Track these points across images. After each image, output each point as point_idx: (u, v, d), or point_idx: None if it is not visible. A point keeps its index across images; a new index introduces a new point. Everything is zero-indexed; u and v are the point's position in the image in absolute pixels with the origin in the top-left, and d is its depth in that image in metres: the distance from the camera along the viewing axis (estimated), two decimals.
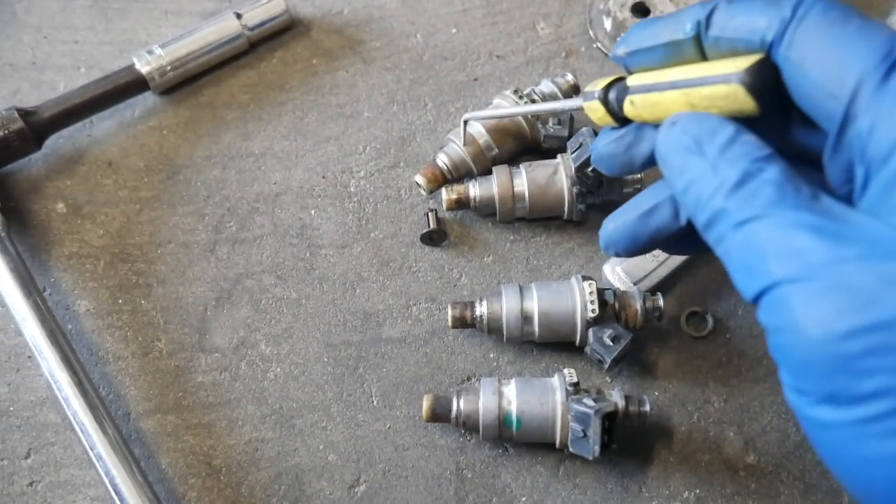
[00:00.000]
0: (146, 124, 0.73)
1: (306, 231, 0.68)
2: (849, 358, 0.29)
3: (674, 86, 0.39)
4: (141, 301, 0.65)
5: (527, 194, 0.64)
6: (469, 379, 0.63)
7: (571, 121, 0.67)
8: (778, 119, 0.39)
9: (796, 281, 0.31)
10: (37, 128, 0.67)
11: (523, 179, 0.65)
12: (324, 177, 0.70)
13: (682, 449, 0.60)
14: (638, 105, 0.41)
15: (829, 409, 0.31)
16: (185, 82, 0.74)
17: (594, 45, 0.76)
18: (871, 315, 0.29)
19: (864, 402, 0.29)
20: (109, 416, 0.58)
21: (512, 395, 0.57)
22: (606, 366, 0.58)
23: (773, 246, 0.32)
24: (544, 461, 0.59)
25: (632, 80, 0.42)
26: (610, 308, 0.59)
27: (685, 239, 0.43)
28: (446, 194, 0.65)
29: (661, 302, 0.60)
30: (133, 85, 0.71)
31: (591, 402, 0.54)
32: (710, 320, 0.64)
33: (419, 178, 0.67)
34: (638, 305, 0.60)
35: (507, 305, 0.60)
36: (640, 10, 0.75)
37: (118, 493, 0.55)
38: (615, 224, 0.45)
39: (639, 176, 0.65)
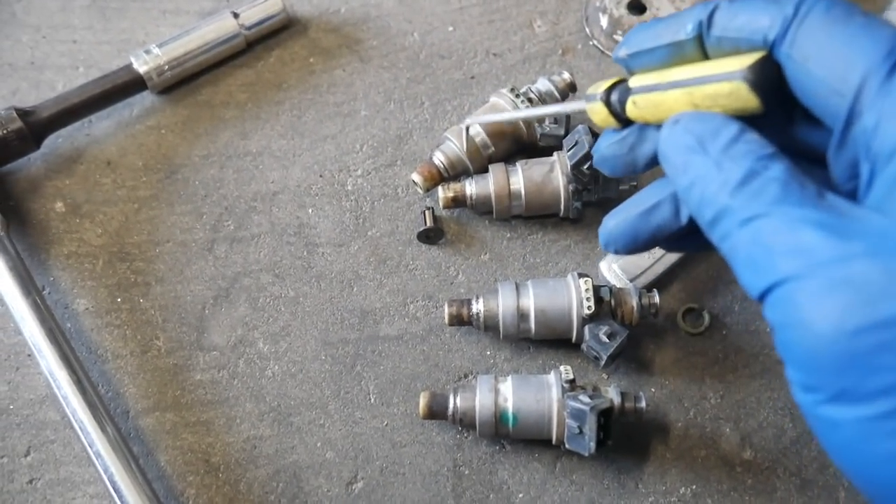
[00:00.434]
0: (144, 123, 0.73)
1: (304, 229, 0.68)
2: (858, 355, 0.29)
3: (676, 85, 0.39)
4: (139, 299, 0.66)
5: (523, 192, 0.65)
6: (466, 376, 0.63)
7: (568, 119, 0.67)
8: (781, 117, 0.39)
9: (803, 278, 0.30)
10: (35, 127, 0.68)
11: (519, 177, 0.65)
12: (321, 175, 0.71)
13: (679, 445, 0.60)
14: (640, 105, 0.41)
15: (839, 407, 0.30)
16: (182, 81, 0.75)
17: (590, 43, 0.76)
18: (881, 311, 0.28)
19: (875, 399, 0.29)
20: (108, 414, 0.58)
21: (508, 392, 0.57)
22: (603, 362, 0.59)
23: (778, 243, 0.32)
24: (541, 458, 0.60)
25: (634, 81, 0.42)
26: (606, 305, 0.60)
27: (686, 237, 0.43)
28: (443, 192, 0.66)
29: (657, 299, 0.60)
30: (131, 84, 0.72)
31: (586, 399, 0.54)
32: (707, 317, 0.64)
33: (416, 177, 0.67)
34: (634, 302, 0.60)
35: (503, 303, 0.60)
36: (636, 7, 0.75)
37: (117, 491, 0.55)
38: (615, 221, 0.45)
39: None
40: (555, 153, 0.65)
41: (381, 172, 0.71)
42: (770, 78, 0.36)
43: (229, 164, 0.71)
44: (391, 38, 0.77)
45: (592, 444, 0.53)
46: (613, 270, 0.64)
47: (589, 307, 0.58)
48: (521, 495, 0.59)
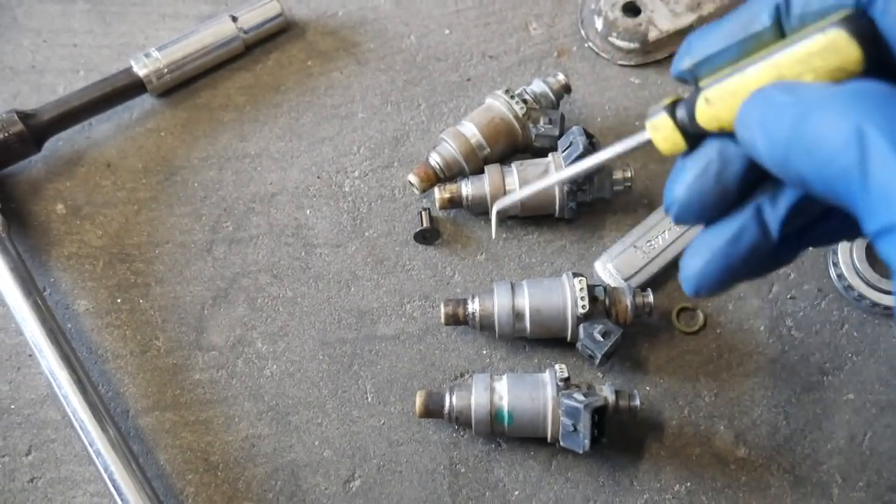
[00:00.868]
0: (144, 126, 0.74)
1: (302, 230, 0.69)
2: None
3: (756, 62, 0.34)
4: (139, 300, 0.66)
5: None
6: (462, 375, 0.63)
7: (562, 120, 0.68)
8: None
9: None
10: (36, 130, 0.69)
11: (515, 178, 0.65)
12: (319, 177, 0.71)
13: (673, 443, 0.61)
14: (714, 100, 0.36)
15: None
16: (182, 85, 0.75)
17: (586, 45, 0.77)
18: None
19: None
20: (108, 414, 0.59)
21: (504, 390, 0.58)
22: (597, 361, 0.59)
23: None
24: (537, 456, 0.60)
25: (704, 83, 0.37)
26: (600, 304, 0.60)
27: (775, 254, 0.38)
28: (439, 193, 0.66)
29: (650, 298, 0.61)
30: (131, 87, 0.72)
31: (580, 397, 0.55)
32: (701, 316, 0.65)
33: (412, 178, 0.67)
34: (628, 301, 0.60)
35: (498, 302, 0.61)
36: (631, 10, 0.76)
37: (117, 489, 0.56)
38: (701, 262, 0.38)
39: (629, 174, 0.65)
40: (550, 154, 0.66)
41: (378, 174, 0.71)
42: (867, 33, 0.31)
43: (228, 166, 0.72)
44: (388, 41, 0.78)
45: (587, 442, 0.54)
46: (608, 270, 0.65)
47: (583, 306, 0.59)
48: (516, 493, 0.59)
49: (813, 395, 0.62)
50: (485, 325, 0.62)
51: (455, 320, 0.62)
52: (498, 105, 0.68)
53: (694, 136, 0.38)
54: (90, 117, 0.73)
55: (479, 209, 0.67)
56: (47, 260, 0.68)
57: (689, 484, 0.59)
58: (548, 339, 0.63)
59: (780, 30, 0.34)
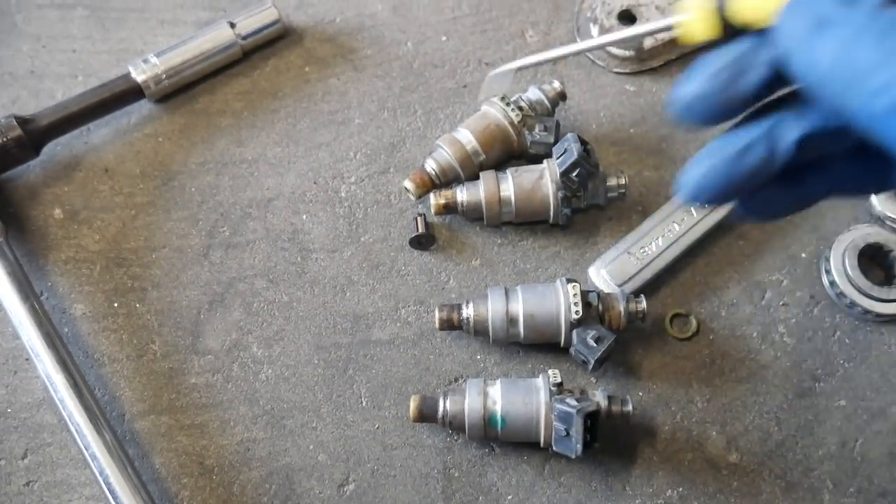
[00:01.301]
0: (142, 131, 0.75)
1: (298, 236, 0.70)
2: None
3: None
4: (136, 304, 0.67)
5: (513, 199, 0.66)
6: (456, 380, 0.64)
7: (557, 127, 0.68)
8: None
9: None
10: (35, 135, 0.69)
11: (510, 184, 0.66)
12: (315, 182, 0.72)
13: (666, 448, 0.61)
14: None
15: None
16: (180, 90, 0.76)
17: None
18: None
19: None
20: (104, 418, 0.59)
21: (497, 395, 0.58)
22: (590, 366, 0.60)
23: None
24: (530, 460, 0.61)
25: None
26: (594, 310, 0.61)
27: (794, 188, 0.38)
28: (434, 199, 0.67)
29: (643, 304, 0.61)
30: (129, 93, 0.73)
31: (573, 402, 0.55)
32: (694, 322, 0.65)
33: (408, 184, 0.68)
34: (621, 307, 0.61)
35: (492, 308, 0.61)
36: (627, 18, 0.77)
37: (112, 493, 0.56)
38: (703, 169, 0.37)
39: (623, 181, 0.66)
40: (545, 161, 0.67)
41: (375, 179, 0.72)
42: None
43: (225, 172, 0.73)
44: (385, 48, 0.78)
45: (579, 447, 0.54)
46: (602, 276, 0.65)
47: (577, 312, 0.59)
48: (510, 497, 0.60)
49: (805, 402, 0.62)
50: (479, 331, 0.62)
51: (449, 325, 0.62)
52: (494, 112, 0.69)
53: (726, 29, 0.36)
54: (88, 122, 0.73)
55: (474, 215, 0.67)
56: (44, 264, 0.69)
57: (681, 489, 0.60)
58: (541, 345, 0.63)
59: None
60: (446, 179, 0.68)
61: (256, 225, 0.70)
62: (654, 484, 0.60)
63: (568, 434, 0.55)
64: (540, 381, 0.58)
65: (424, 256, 0.69)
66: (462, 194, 0.67)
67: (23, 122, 0.68)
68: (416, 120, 0.75)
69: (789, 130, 0.36)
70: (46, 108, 0.71)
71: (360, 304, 0.67)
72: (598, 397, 0.57)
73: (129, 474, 0.57)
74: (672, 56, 0.76)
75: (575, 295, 0.60)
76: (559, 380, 0.57)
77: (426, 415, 0.59)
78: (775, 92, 0.36)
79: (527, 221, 0.68)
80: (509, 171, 0.67)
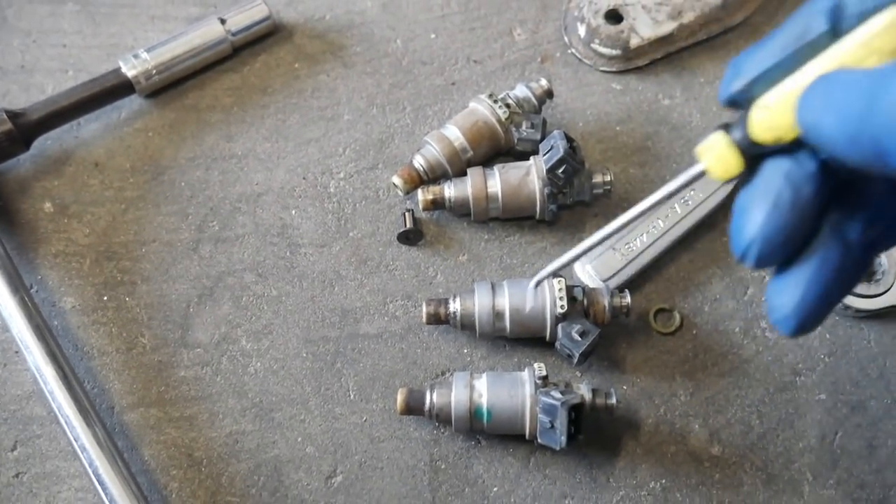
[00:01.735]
0: (132, 126, 0.75)
1: (287, 230, 0.70)
2: None
3: (813, 60, 0.32)
4: (125, 298, 0.67)
5: (500, 195, 0.66)
6: (443, 374, 0.64)
7: (544, 124, 0.69)
8: None
9: None
10: (25, 129, 0.69)
11: (497, 181, 0.67)
12: (304, 178, 0.72)
13: (649, 441, 0.62)
14: (770, 106, 0.34)
15: None
16: (170, 86, 0.76)
17: (569, 51, 0.78)
18: None
19: None
20: (94, 410, 0.59)
21: (483, 388, 0.59)
22: (576, 360, 0.60)
23: None
24: (515, 453, 0.61)
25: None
26: (579, 305, 0.61)
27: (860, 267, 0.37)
28: (422, 195, 0.67)
29: (628, 299, 0.62)
30: (119, 88, 0.73)
31: (558, 395, 0.56)
32: (678, 317, 0.66)
33: (396, 179, 0.69)
34: (605, 302, 0.62)
35: (479, 302, 0.62)
36: (614, 17, 0.78)
37: (102, 485, 0.57)
38: (796, 296, 0.36)
39: (609, 178, 0.67)
40: (531, 157, 0.67)
41: (363, 175, 0.73)
42: None
43: (215, 166, 0.73)
44: (375, 45, 0.79)
45: (563, 439, 0.55)
46: (587, 271, 0.66)
47: (562, 306, 0.60)
48: (495, 489, 0.60)
49: (785, 395, 0.63)
50: (465, 325, 0.63)
51: (436, 319, 0.63)
52: (481, 109, 0.69)
53: (750, 158, 0.35)
54: (79, 117, 0.73)
55: (462, 211, 0.68)
56: (34, 257, 0.69)
57: (664, 481, 0.61)
58: (527, 339, 0.64)
59: (836, 34, 0.33)
60: (434, 175, 0.69)
61: (246, 220, 0.71)
62: (638, 476, 0.61)
63: (553, 426, 0.56)
64: (525, 374, 0.59)
65: (412, 251, 0.69)
66: (450, 190, 0.67)
67: (13, 116, 0.69)
68: (404, 116, 0.75)
69: (853, 220, 0.36)
70: (37, 103, 0.71)
71: (349, 299, 0.67)
72: (583, 390, 0.58)
73: (118, 466, 0.57)
74: (658, 55, 0.77)
75: (560, 290, 0.61)
76: (545, 373, 0.58)
77: (413, 408, 0.60)
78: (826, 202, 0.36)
79: (513, 217, 0.69)
80: (496, 168, 0.67)
